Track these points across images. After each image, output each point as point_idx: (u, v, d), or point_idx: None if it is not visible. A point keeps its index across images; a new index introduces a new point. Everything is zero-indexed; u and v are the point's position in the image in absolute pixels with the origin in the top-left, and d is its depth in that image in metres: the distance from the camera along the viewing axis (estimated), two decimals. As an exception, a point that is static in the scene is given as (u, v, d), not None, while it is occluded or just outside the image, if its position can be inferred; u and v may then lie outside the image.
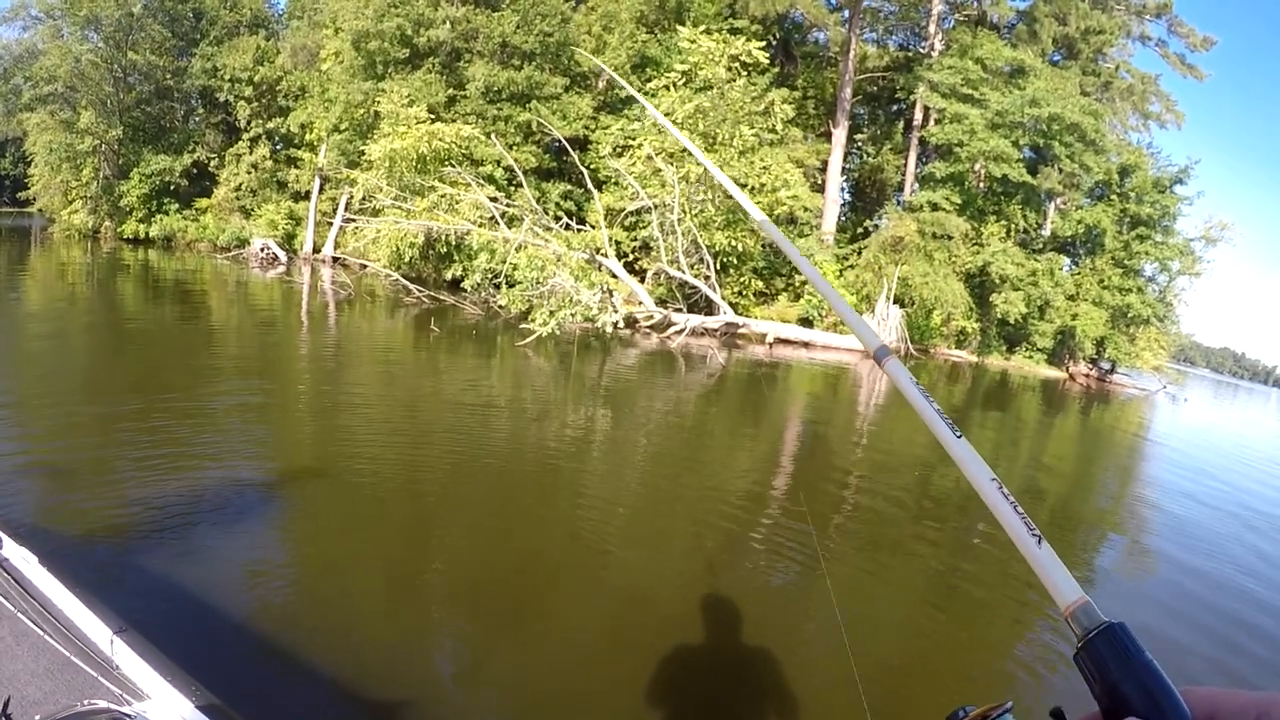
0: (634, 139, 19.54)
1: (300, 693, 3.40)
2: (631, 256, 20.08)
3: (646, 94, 20.92)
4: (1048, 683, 3.99)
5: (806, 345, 21.51)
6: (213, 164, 26.97)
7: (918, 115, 28.41)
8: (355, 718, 3.31)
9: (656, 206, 18.44)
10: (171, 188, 26.31)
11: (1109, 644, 0.47)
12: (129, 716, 2.03)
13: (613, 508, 6.18)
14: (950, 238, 25.41)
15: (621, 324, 16.63)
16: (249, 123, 26.40)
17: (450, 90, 20.98)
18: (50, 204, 28.05)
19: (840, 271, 23.96)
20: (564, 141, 18.87)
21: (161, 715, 2.14)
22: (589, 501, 6.28)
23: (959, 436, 0.57)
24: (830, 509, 6.74)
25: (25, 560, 2.81)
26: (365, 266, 20.62)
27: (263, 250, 24.11)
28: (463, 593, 4.57)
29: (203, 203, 26.57)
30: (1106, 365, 30.07)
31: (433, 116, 19.72)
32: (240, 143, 26.58)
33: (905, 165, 28.55)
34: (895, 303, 23.91)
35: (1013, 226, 27.05)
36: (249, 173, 25.97)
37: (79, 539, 4.43)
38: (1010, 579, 5.46)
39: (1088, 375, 29.71)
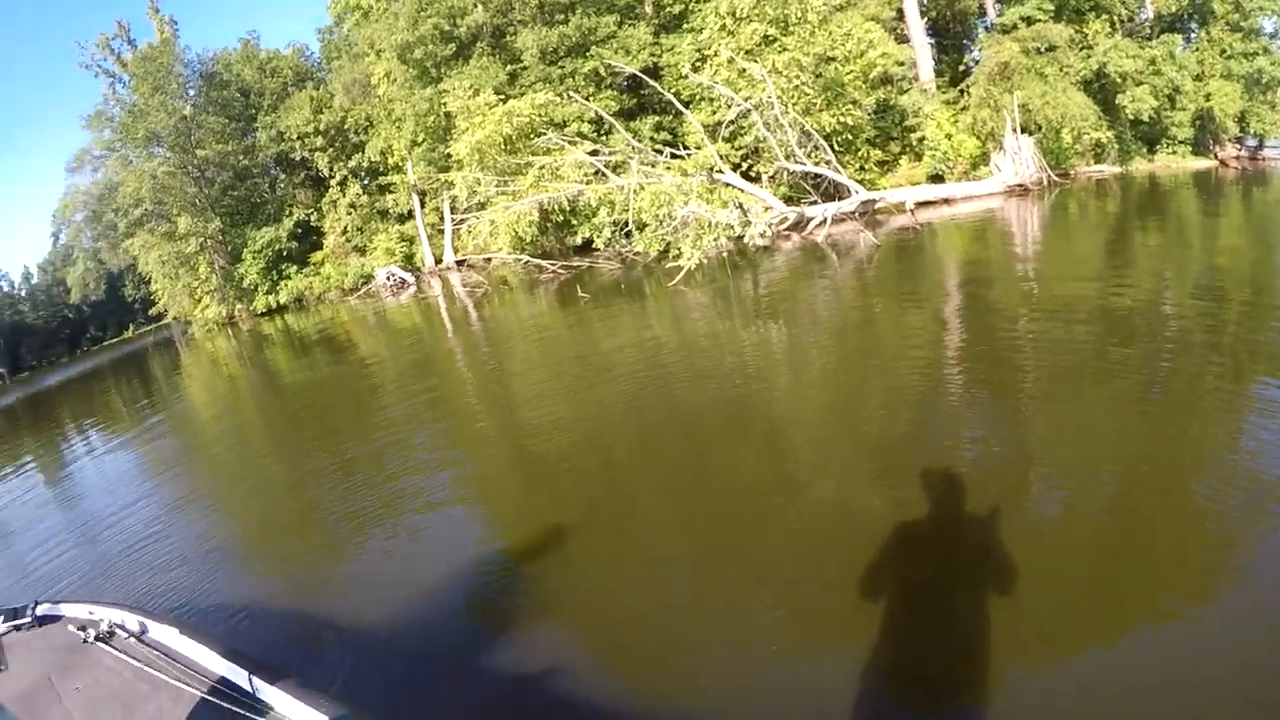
0: (708, 49, 18.50)
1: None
2: (744, 166, 19.15)
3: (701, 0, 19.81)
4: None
5: (947, 201, 20.02)
6: (313, 218, 27.90)
7: (977, -69, 25.80)
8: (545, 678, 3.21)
9: (756, 106, 17.40)
10: (284, 254, 27.48)
11: None
12: None
13: (801, 419, 5.87)
14: (1056, 48, 23.09)
15: (769, 232, 15.84)
16: (331, 168, 27.11)
17: (509, 67, 20.56)
18: (181, 309, 29.93)
19: (954, 118, 22.07)
20: (639, 75, 18.09)
21: None
22: (778, 416, 6.01)
23: None
24: (1012, 370, 6.08)
25: (170, 635, 3.37)
26: (489, 260, 20.67)
27: (389, 278, 24.78)
28: (664, 531, 4.38)
29: (317, 256, 27.62)
30: (1254, 142, 27.25)
31: (502, 97, 19.36)
32: (331, 190, 27.32)
33: (981, -12, 26.01)
34: (1023, 132, 21.87)
35: (1115, 18, 24.39)
36: (349, 213, 26.74)
37: (221, 605, 4.76)
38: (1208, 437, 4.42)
39: (1238, 157, 26.85)
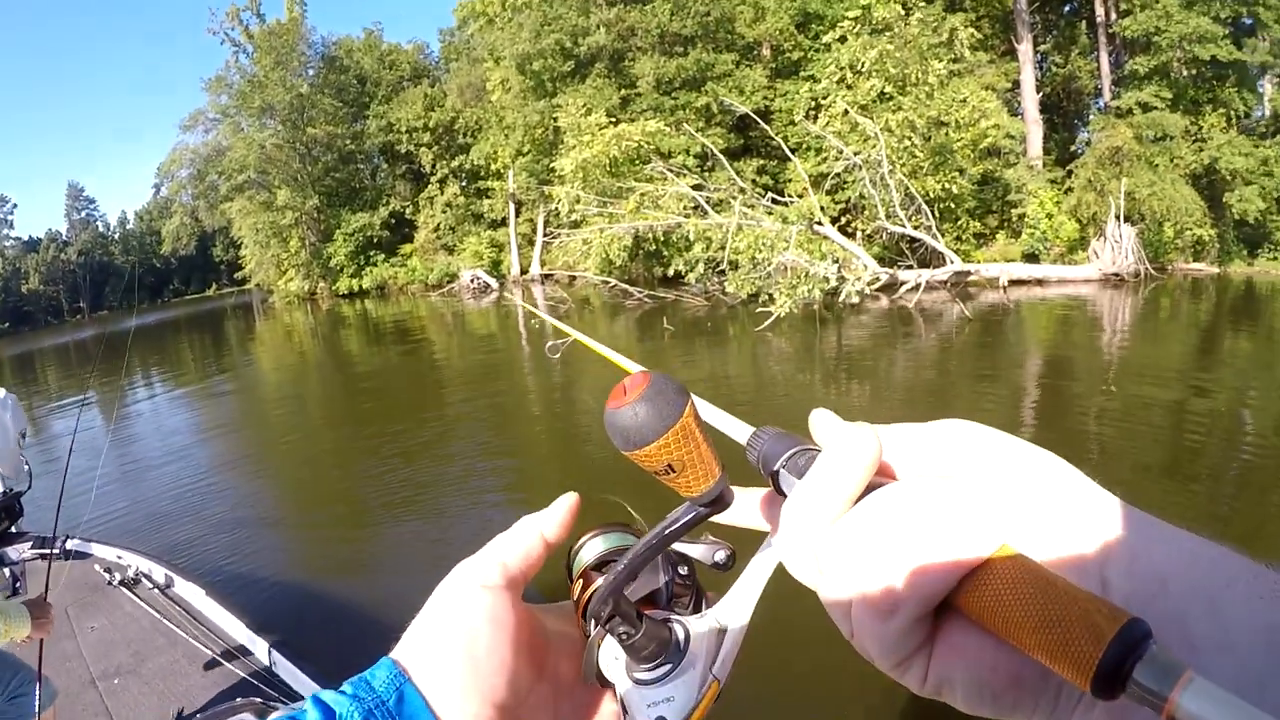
0: (823, 99, 18.67)
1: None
2: (844, 221, 19.21)
3: (821, 49, 20.00)
4: None
5: (1040, 282, 19.77)
6: (408, 211, 28.80)
7: (1099, 10, 25.47)
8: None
9: (865, 162, 17.46)
10: (374, 241, 28.38)
11: None
12: (274, 708, 2.08)
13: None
14: (1170, 138, 22.64)
15: (865, 291, 15.85)
16: (434, 166, 27.94)
17: (623, 91, 21.04)
18: (266, 277, 31.03)
19: (1057, 198, 21.77)
20: (753, 115, 18.31)
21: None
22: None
23: None
24: (1089, 452, 6.01)
25: (195, 594, 3.37)
26: (574, 279, 21.08)
27: (473, 281, 25.39)
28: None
29: (406, 248, 28.44)
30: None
31: (612, 120, 19.81)
32: (430, 186, 28.18)
33: (1099, 68, 25.66)
34: (1125, 221, 21.43)
35: (1232, 114, 23.80)
36: (444, 212, 27.49)
37: (252, 572, 4.84)
38: None
39: (1344, 268, 25.61)
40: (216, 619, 3.19)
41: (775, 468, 0.34)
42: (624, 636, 0.37)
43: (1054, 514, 0.29)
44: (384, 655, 0.38)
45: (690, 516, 0.35)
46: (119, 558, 3.82)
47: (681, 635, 0.37)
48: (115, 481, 7.96)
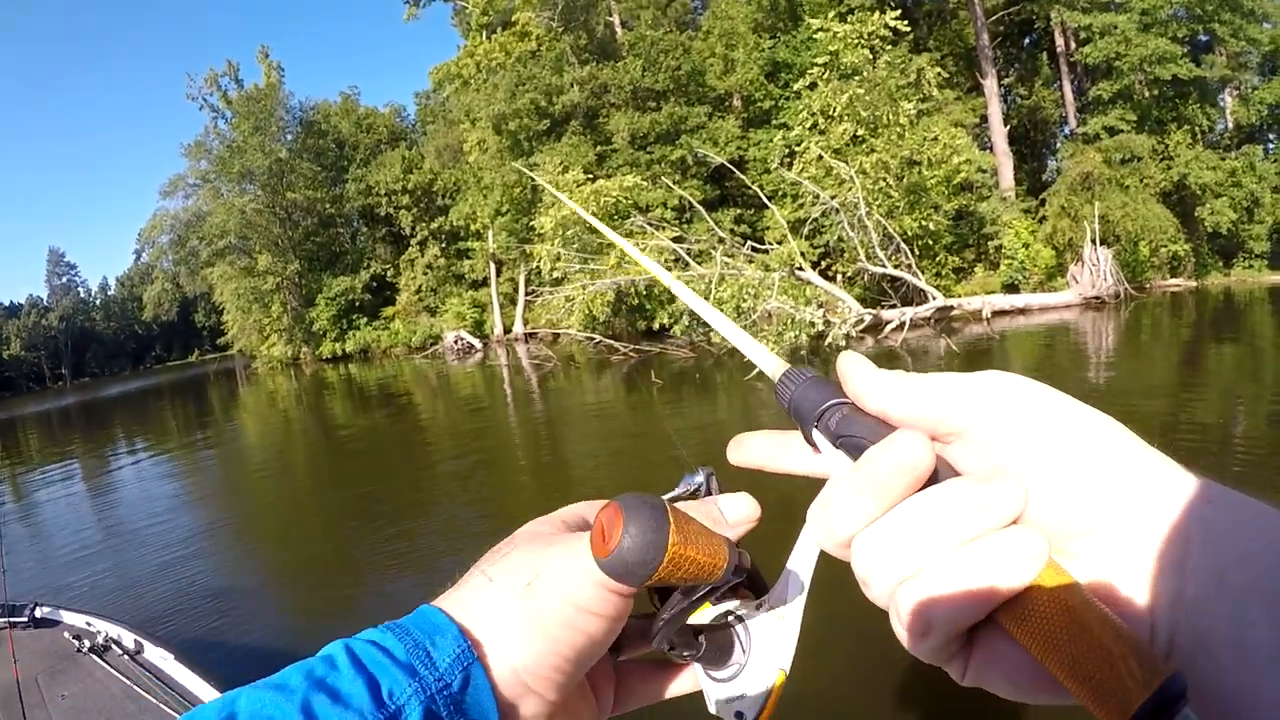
0: (798, 145, 18.92)
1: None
2: (824, 265, 19.33)
3: (792, 96, 20.32)
4: None
5: (1022, 311, 19.90)
6: (389, 274, 28.73)
7: (1059, 40, 26.15)
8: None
9: (842, 205, 17.63)
10: (356, 304, 28.26)
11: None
12: None
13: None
14: (1139, 158, 23.05)
15: (851, 333, 15.89)
16: (414, 228, 27.96)
17: (598, 147, 21.25)
18: (249, 343, 30.78)
19: (1032, 227, 22.05)
20: (728, 165, 18.50)
21: None
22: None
23: None
24: None
25: (164, 658, 3.33)
26: (557, 336, 21.01)
27: (456, 342, 25.21)
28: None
29: (388, 311, 28.30)
30: (1338, 256, 26.46)
31: (590, 176, 19.96)
32: (410, 248, 28.16)
33: (1062, 96, 26.23)
34: (1101, 244, 21.70)
35: (1197, 129, 24.32)
36: (425, 274, 27.45)
37: (228, 640, 4.73)
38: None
39: (1319, 272, 26.04)
40: (187, 684, 3.18)
41: (809, 424, 0.34)
42: (687, 658, 0.38)
43: (1106, 499, 0.27)
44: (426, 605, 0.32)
45: (705, 590, 0.34)
46: (88, 624, 3.80)
47: (744, 636, 0.37)
48: (96, 546, 7.88)
